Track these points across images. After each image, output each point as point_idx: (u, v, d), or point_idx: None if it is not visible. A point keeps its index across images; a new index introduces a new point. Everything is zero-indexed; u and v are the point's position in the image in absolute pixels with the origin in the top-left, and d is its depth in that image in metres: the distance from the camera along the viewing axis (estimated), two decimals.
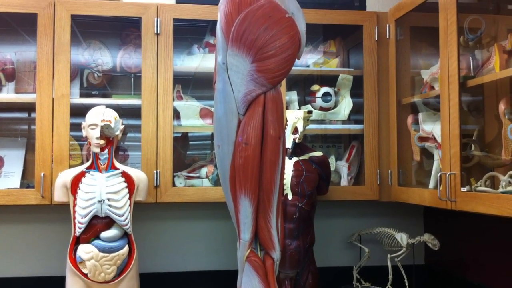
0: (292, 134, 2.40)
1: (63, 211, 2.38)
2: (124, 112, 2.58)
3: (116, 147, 2.43)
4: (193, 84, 2.78)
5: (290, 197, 2.32)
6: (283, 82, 2.55)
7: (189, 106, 2.65)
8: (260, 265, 1.09)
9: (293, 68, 2.68)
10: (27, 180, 2.58)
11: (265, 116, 1.03)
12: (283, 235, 1.08)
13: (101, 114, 2.32)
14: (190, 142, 2.85)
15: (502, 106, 1.99)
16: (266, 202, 1.13)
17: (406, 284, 2.56)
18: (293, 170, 2.35)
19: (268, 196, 1.06)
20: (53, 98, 2.42)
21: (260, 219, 1.21)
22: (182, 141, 2.81)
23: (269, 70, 1.01)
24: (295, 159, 2.39)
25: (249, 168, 1.03)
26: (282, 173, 1.07)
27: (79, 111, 2.45)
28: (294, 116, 2.41)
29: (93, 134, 2.30)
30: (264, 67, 1.01)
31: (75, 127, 2.44)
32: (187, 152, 2.83)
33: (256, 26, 1.00)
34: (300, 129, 2.37)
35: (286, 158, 2.38)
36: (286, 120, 2.46)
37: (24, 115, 2.70)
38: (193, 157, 2.80)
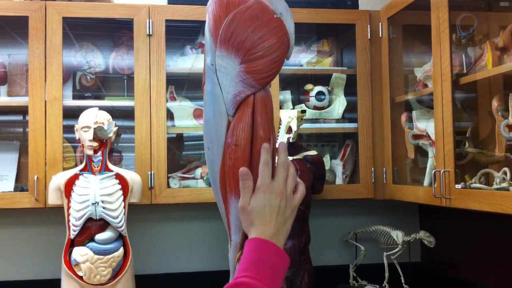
0: (286, 133, 2.40)
1: (58, 214, 2.38)
2: (117, 113, 2.57)
3: (110, 149, 2.43)
4: (186, 85, 2.77)
5: None
6: (276, 82, 2.56)
7: (183, 107, 2.64)
8: None
9: (287, 67, 2.74)
10: (21, 183, 2.57)
11: (255, 118, 1.03)
12: None
13: (94, 116, 2.31)
14: (185, 143, 2.85)
15: (495, 103, 1.99)
16: None
17: (403, 281, 2.56)
18: None
19: None
20: (45, 101, 2.41)
21: None
22: (176, 142, 2.80)
23: (258, 71, 1.01)
24: (289, 158, 2.38)
25: (239, 170, 1.02)
26: (274, 173, 1.06)
27: (72, 114, 2.44)
28: (288, 116, 2.41)
29: (86, 137, 2.29)
30: (252, 68, 1.01)
31: (69, 129, 2.43)
32: (182, 153, 2.83)
33: (245, 27, 1.00)
34: (294, 128, 2.37)
35: None
36: (280, 120, 2.46)
37: (17, 118, 2.69)
38: (188, 158, 2.80)
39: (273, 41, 1.00)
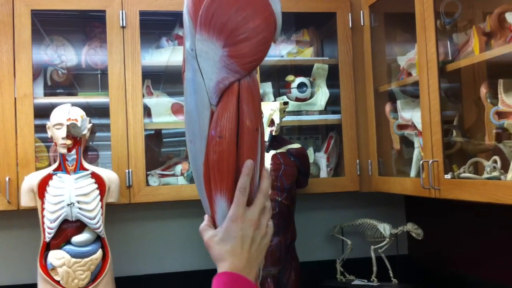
0: (269, 126, 2.32)
1: (32, 216, 2.27)
2: (93, 111, 2.47)
3: (85, 147, 2.33)
4: (163, 79, 2.68)
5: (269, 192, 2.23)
6: (257, 74, 2.48)
7: (160, 102, 2.55)
8: None
9: (266, 58, 2.63)
10: None
11: (240, 107, 0.94)
12: None
13: (67, 113, 2.21)
14: (163, 139, 2.76)
15: (483, 90, 1.94)
16: None
17: (391, 275, 2.51)
18: (271, 164, 2.27)
19: None
20: (15, 98, 2.30)
21: None
22: (155, 138, 2.71)
23: (242, 55, 0.92)
24: (272, 152, 2.31)
25: (225, 164, 0.94)
26: (262, 169, 0.98)
27: (44, 112, 2.33)
28: (270, 108, 2.33)
29: (58, 134, 2.19)
30: (237, 52, 0.92)
31: (41, 128, 2.32)
32: (161, 149, 2.74)
33: (227, 7, 0.91)
34: (277, 121, 2.29)
35: None
36: (262, 113, 2.38)
37: None
38: (168, 155, 2.71)
39: (258, 22, 0.92)
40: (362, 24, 2.59)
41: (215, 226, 0.99)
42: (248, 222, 0.94)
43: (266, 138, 2.32)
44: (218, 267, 0.94)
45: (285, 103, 2.35)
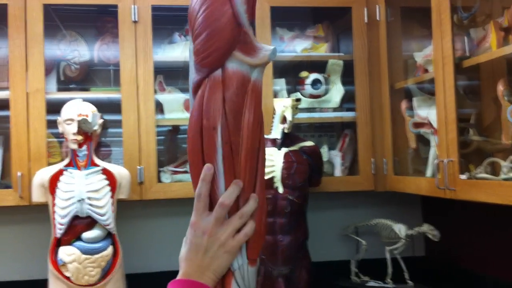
0: (281, 123, 2.29)
1: (43, 211, 2.27)
2: (106, 107, 2.45)
3: (97, 142, 2.32)
4: (176, 74, 2.65)
5: (280, 190, 2.21)
6: (270, 70, 2.44)
7: (173, 98, 2.53)
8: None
9: (280, 54, 2.61)
10: (5, 180, 2.45)
11: (203, 106, 0.92)
12: (263, 233, 0.96)
13: (77, 108, 2.20)
14: (178, 136, 2.74)
15: (500, 87, 1.87)
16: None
17: (406, 277, 2.45)
18: (283, 162, 2.24)
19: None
20: (27, 93, 2.30)
21: None
22: (171, 134, 2.69)
23: (197, 51, 0.90)
24: (284, 150, 2.27)
25: (191, 163, 0.92)
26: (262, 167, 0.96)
27: (57, 107, 2.32)
28: (282, 105, 2.29)
29: (69, 130, 2.18)
30: (195, 49, 0.90)
31: (54, 123, 2.31)
32: (179, 145, 2.71)
33: (199, 2, 0.89)
34: (289, 118, 2.25)
35: (275, 149, 2.27)
36: (274, 110, 2.35)
37: (0, 111, 2.57)
38: (182, 151, 2.69)
39: (209, 14, 0.88)
40: (378, 19, 2.53)
41: None
42: (200, 230, 0.94)
43: (279, 135, 2.28)
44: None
45: (298, 100, 2.31)
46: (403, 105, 2.43)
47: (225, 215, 0.94)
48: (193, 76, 0.93)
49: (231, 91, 0.91)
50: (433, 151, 2.25)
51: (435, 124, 2.16)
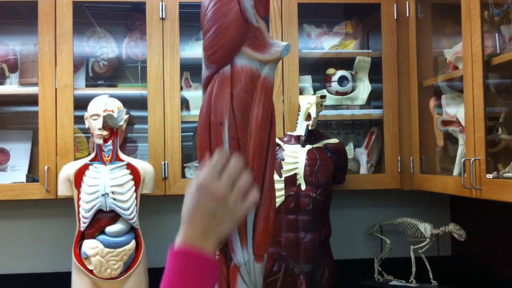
0: (305, 120, 2.27)
1: (68, 205, 2.30)
2: (132, 102, 2.48)
3: (123, 138, 2.34)
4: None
5: (303, 187, 2.19)
6: (296, 67, 2.43)
7: (199, 95, 2.51)
8: (224, 274, 0.97)
9: (306, 51, 2.59)
10: (32, 174, 2.51)
11: (211, 102, 0.91)
12: (271, 230, 0.95)
13: (103, 104, 2.22)
14: None
15: None
16: None
17: (431, 276, 2.41)
18: (306, 159, 2.22)
19: None
20: (56, 89, 2.33)
21: None
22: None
23: (205, 47, 0.90)
24: (308, 147, 2.26)
25: (199, 157, 0.91)
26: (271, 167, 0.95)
27: (85, 103, 2.34)
28: (307, 102, 2.27)
29: (95, 125, 2.20)
30: (204, 44, 0.90)
31: (82, 119, 2.34)
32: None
33: (211, 2, 0.89)
34: (313, 115, 2.23)
35: (299, 146, 2.26)
36: (299, 106, 2.33)
37: (30, 107, 2.62)
38: None
39: (216, 10, 0.88)
40: (407, 15, 2.49)
41: None
42: (209, 193, 0.92)
43: (303, 132, 2.26)
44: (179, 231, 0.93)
45: (322, 97, 2.29)
46: (432, 102, 2.39)
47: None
48: (204, 72, 0.93)
49: (239, 87, 0.91)
50: (461, 150, 2.20)
51: (463, 122, 2.11)
